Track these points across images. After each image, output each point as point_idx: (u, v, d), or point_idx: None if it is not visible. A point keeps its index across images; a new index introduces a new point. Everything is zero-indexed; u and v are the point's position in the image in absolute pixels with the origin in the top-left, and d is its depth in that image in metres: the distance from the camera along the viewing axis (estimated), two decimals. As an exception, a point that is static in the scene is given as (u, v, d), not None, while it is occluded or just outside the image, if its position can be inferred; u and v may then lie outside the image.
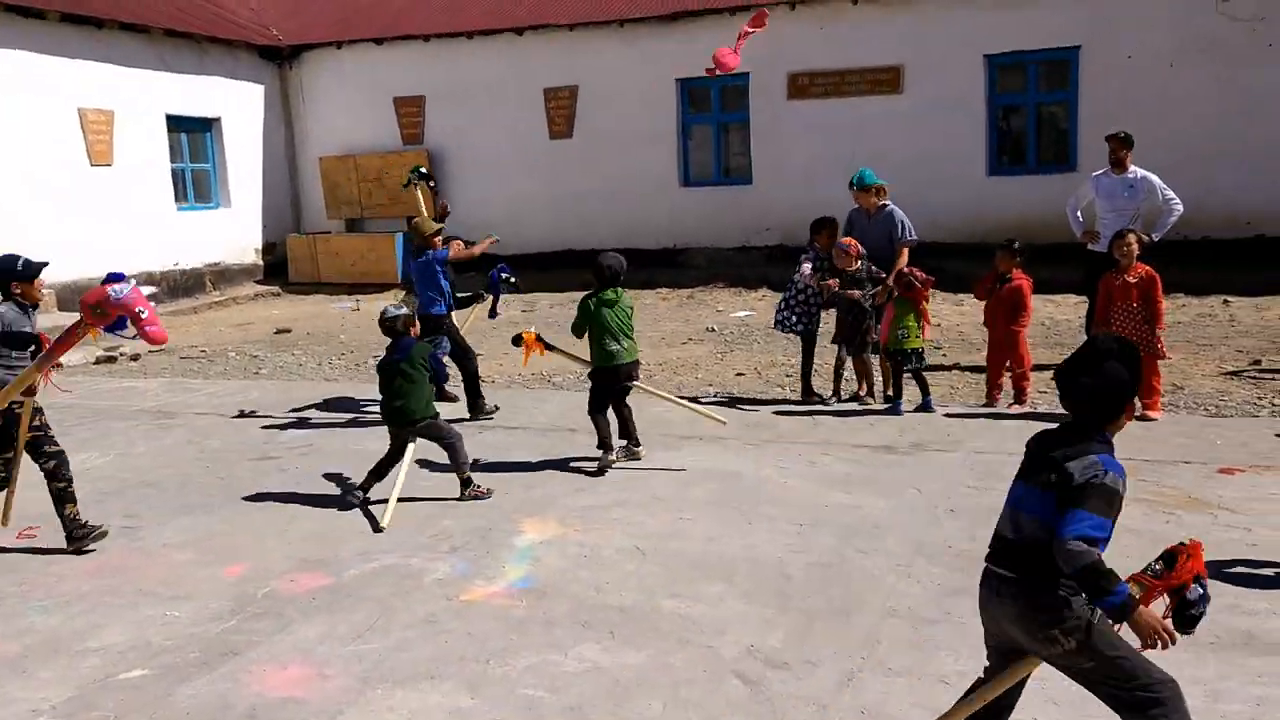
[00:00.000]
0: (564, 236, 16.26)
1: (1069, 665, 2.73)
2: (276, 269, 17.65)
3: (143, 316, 4.14)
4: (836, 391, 8.00)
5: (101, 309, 4.12)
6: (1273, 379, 8.07)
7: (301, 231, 18.07)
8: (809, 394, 8.01)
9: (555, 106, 16.52)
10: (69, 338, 4.38)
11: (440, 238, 8.06)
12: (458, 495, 5.90)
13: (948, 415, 7.42)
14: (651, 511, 5.60)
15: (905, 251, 7.96)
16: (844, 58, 14.94)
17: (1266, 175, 12.96)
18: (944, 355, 9.75)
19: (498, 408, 7.99)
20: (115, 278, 4.24)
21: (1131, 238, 7.14)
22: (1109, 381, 2.70)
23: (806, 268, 7.85)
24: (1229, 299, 11.58)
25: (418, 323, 6.75)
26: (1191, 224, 12.60)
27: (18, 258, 5.23)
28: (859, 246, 7.75)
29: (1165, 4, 13.29)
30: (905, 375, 7.62)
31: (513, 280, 8.37)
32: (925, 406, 7.53)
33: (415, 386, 5.89)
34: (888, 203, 8.20)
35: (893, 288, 7.60)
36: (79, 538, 5.27)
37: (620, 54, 16.06)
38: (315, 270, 17.01)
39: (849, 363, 8.00)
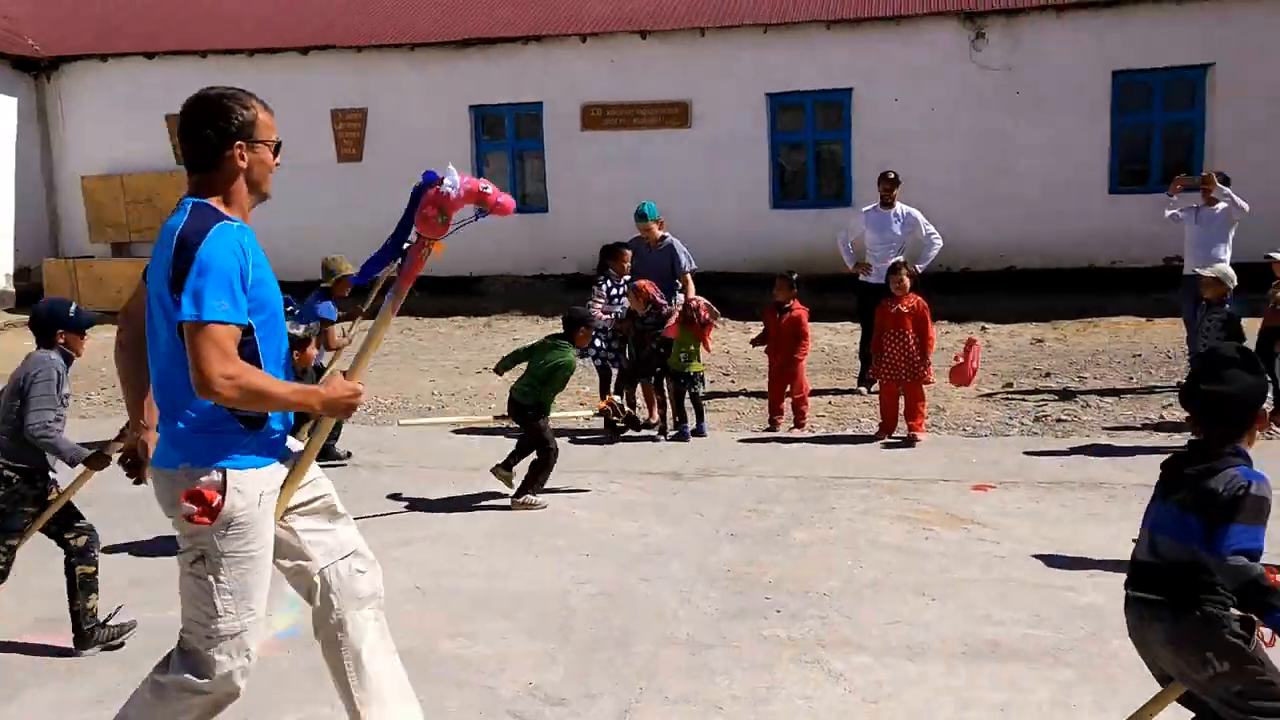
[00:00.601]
0: (355, 264, 15.77)
1: (1215, 690, 2.59)
2: (32, 296, 16.22)
3: (488, 192, 3.10)
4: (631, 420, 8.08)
5: (444, 214, 2.94)
6: (1022, 400, 8.75)
7: (60, 255, 16.72)
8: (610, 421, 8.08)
9: (344, 129, 16.06)
10: (414, 267, 2.99)
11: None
12: None
13: (740, 441, 7.63)
14: (436, 548, 5.45)
15: (690, 280, 8.17)
16: (634, 91, 15.27)
17: (1017, 212, 14.16)
18: (732, 381, 10.05)
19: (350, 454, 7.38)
20: (431, 176, 3.16)
21: (904, 270, 7.61)
22: (1235, 390, 2.63)
23: (598, 309, 7.89)
24: (986, 326, 12.51)
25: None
26: (952, 257, 13.63)
27: (69, 303, 4.45)
28: (651, 290, 7.86)
29: (926, 52, 14.33)
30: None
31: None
32: (699, 431, 7.72)
33: None
34: (667, 234, 8.41)
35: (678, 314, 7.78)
36: (99, 640, 4.25)
37: (410, 78, 15.81)
38: (76, 297, 15.73)
39: (640, 390, 8.13)
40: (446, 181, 3.41)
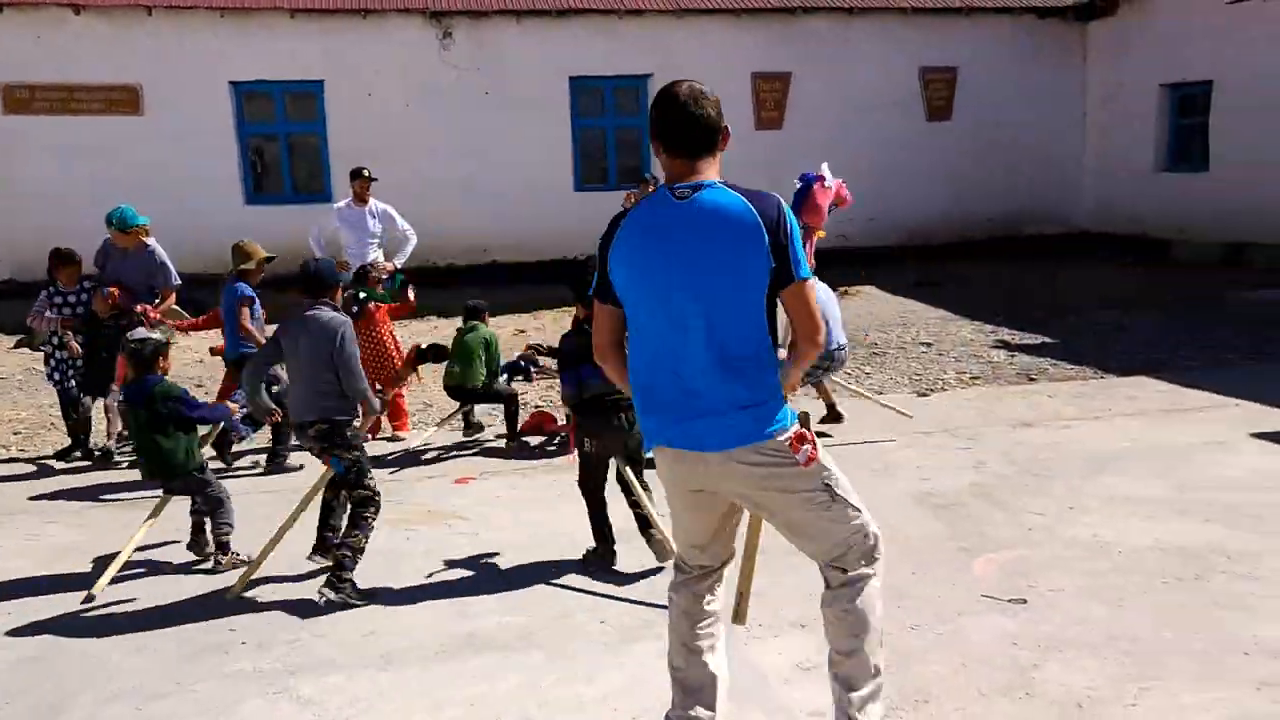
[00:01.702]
0: None
1: None
2: None
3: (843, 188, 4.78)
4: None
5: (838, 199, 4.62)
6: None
7: None
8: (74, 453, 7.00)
9: None
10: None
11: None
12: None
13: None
14: None
15: (172, 295, 7.30)
16: (69, 72, 13.42)
17: (494, 207, 14.69)
18: (206, 392, 9.20)
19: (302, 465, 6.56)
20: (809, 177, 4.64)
21: (371, 275, 7.52)
22: None
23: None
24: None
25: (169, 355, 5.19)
26: (438, 251, 13.81)
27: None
28: (118, 296, 6.91)
29: (394, 48, 14.29)
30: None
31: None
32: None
33: (161, 436, 4.84)
34: (149, 241, 7.37)
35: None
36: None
37: None
38: None
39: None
40: (825, 181, 4.95)
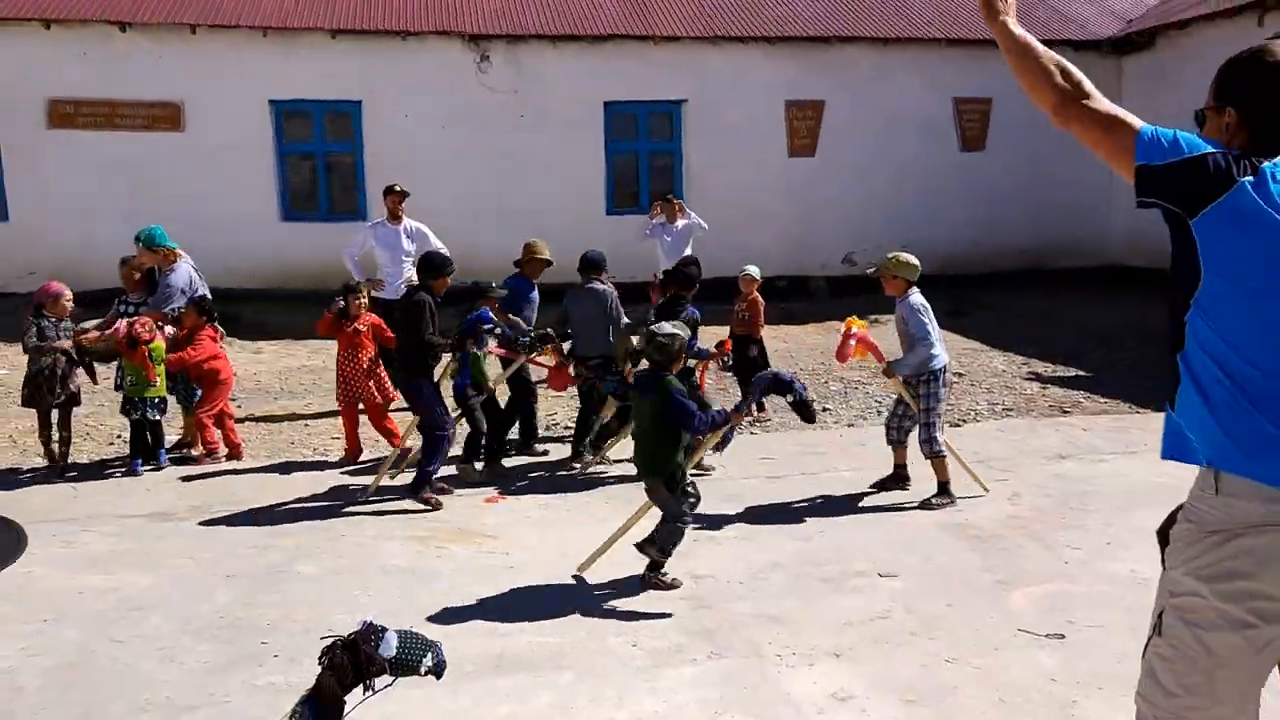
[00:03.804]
0: None
1: None
2: None
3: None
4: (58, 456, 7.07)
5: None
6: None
7: None
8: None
9: None
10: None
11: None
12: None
13: (236, 472, 7.00)
14: None
15: (159, 316, 7.37)
16: (114, 88, 13.66)
17: (525, 229, 14.64)
18: (239, 406, 9.26)
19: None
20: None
21: (362, 292, 7.43)
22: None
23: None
24: (502, 339, 12.86)
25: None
26: (469, 272, 13.83)
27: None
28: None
29: (432, 69, 14.45)
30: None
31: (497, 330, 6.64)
32: (133, 470, 6.95)
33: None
34: (177, 265, 7.50)
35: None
36: None
37: None
38: None
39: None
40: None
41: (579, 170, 15.03)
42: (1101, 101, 2.25)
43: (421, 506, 6.02)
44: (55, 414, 6.96)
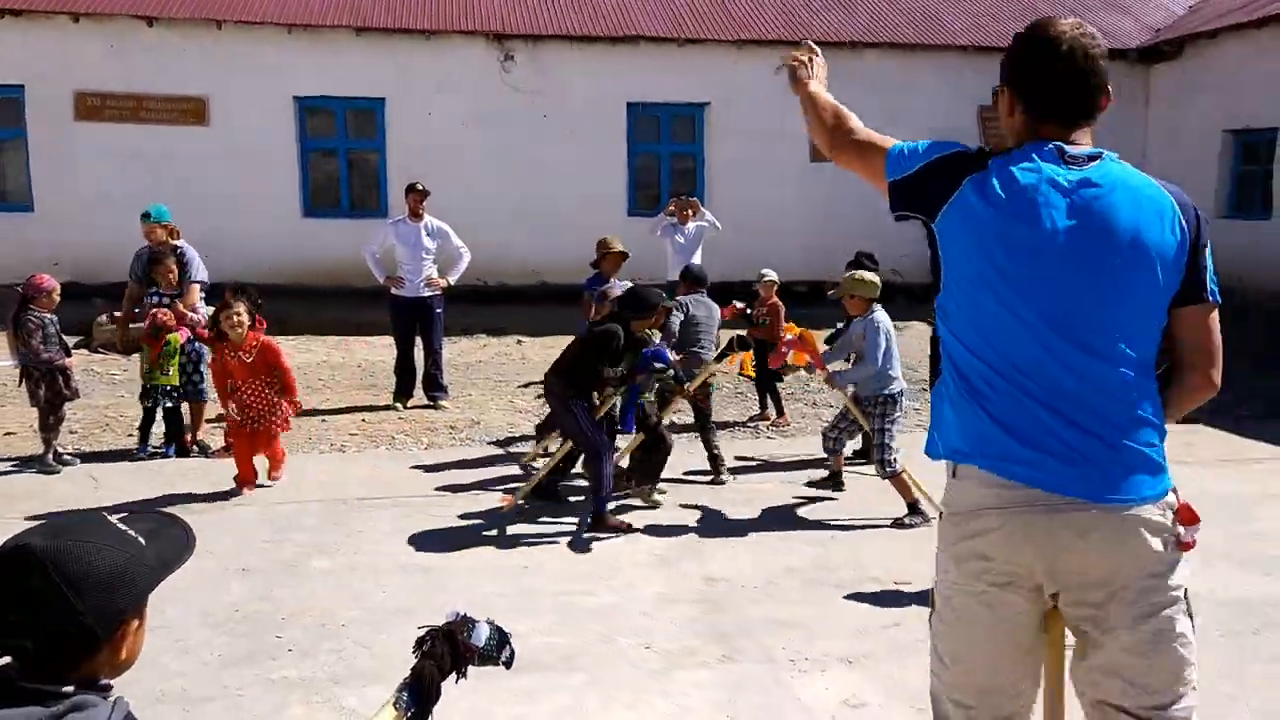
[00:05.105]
0: None
1: None
2: None
3: None
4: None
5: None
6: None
7: None
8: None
9: None
10: None
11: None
12: None
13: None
14: None
15: (195, 290, 7.43)
16: (140, 82, 13.78)
17: (547, 229, 14.78)
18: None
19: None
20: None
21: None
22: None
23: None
24: (522, 339, 12.89)
25: None
26: (490, 271, 13.93)
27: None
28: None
29: (456, 68, 14.49)
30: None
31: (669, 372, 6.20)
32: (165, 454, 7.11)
33: None
34: (181, 243, 7.59)
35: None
36: None
37: None
38: None
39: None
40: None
41: (601, 171, 15.04)
42: (862, 133, 2.43)
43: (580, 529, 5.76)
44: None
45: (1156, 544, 2.04)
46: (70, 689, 1.38)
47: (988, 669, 2.14)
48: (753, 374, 8.24)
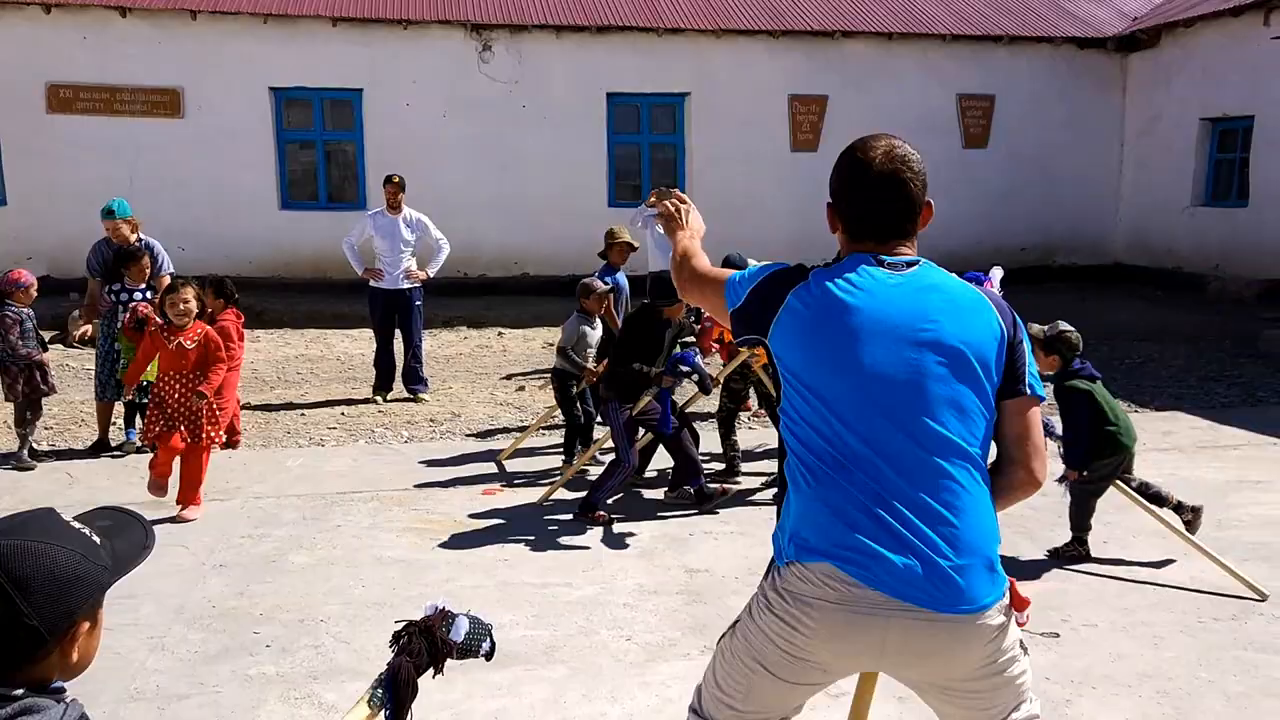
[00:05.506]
0: None
1: None
2: None
3: None
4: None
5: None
6: (533, 401, 9.04)
7: None
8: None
9: None
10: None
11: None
12: None
13: (231, 460, 6.98)
14: None
15: (166, 280, 7.33)
16: (114, 73, 13.63)
17: (527, 220, 14.73)
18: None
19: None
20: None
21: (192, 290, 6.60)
22: None
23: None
24: (503, 331, 12.84)
25: None
26: (470, 263, 13.88)
27: None
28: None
29: (434, 59, 14.40)
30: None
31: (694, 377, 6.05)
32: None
33: None
34: (145, 236, 7.46)
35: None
36: None
37: None
38: None
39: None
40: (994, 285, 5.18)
41: (581, 162, 14.99)
42: (705, 270, 2.49)
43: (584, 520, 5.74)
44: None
45: (993, 645, 2.04)
46: (19, 692, 1.35)
47: (765, 707, 2.19)
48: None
